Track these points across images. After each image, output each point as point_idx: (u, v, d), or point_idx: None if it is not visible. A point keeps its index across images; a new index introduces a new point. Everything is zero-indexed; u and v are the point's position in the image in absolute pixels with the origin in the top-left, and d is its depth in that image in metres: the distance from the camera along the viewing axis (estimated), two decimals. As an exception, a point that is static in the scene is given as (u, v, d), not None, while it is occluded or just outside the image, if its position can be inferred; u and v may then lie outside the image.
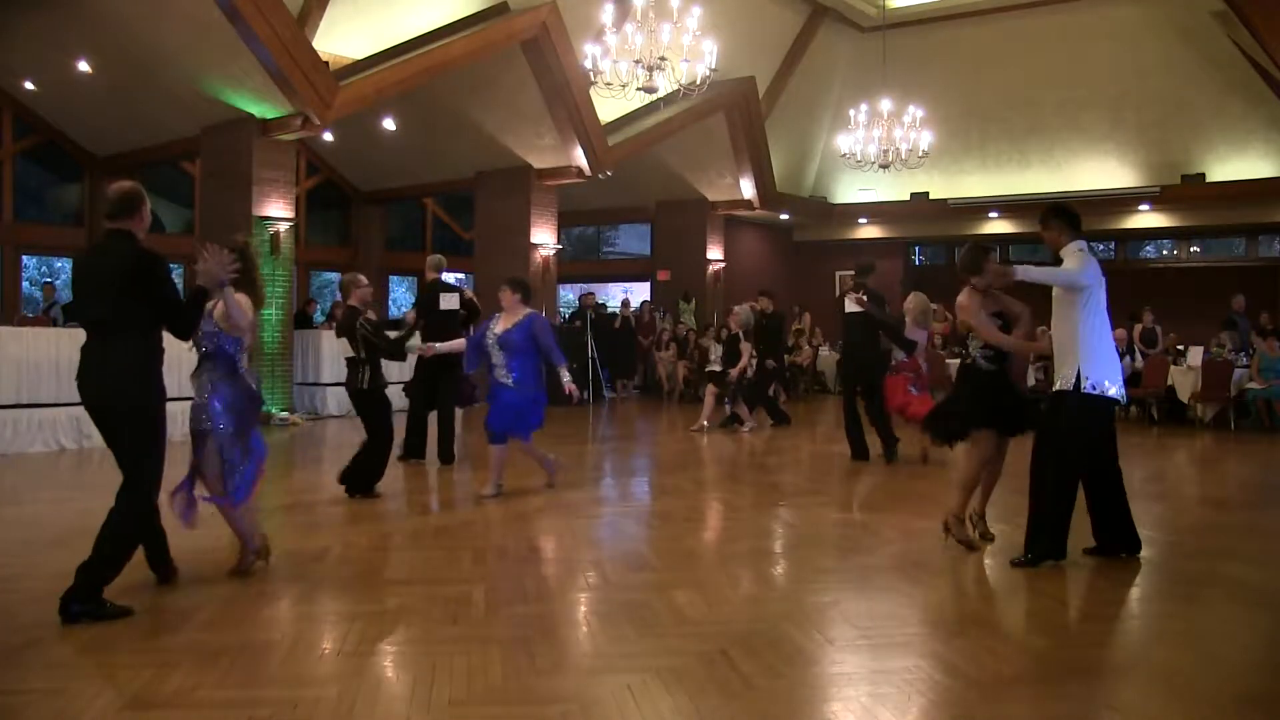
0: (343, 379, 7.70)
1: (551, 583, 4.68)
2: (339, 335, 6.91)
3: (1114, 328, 14.39)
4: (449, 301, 8.28)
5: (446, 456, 8.29)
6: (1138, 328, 13.62)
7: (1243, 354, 12.28)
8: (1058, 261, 5.11)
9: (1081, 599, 4.36)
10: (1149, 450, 10.33)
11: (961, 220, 18.13)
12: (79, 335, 4.07)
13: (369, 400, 6.71)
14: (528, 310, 6.73)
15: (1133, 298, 15.04)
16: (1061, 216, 5.08)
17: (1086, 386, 4.79)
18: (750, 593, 4.54)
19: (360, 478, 6.70)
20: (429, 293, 8.38)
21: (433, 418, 8.35)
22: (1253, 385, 11.52)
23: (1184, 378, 12.00)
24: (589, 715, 3.04)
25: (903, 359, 8.35)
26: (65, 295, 12.91)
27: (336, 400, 12.33)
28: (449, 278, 9.12)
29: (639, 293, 18.56)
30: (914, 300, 8.19)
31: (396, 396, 7.90)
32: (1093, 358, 4.82)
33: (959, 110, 16.91)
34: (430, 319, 8.06)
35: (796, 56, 16.88)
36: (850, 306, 8.37)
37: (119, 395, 3.93)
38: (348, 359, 6.82)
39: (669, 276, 17.77)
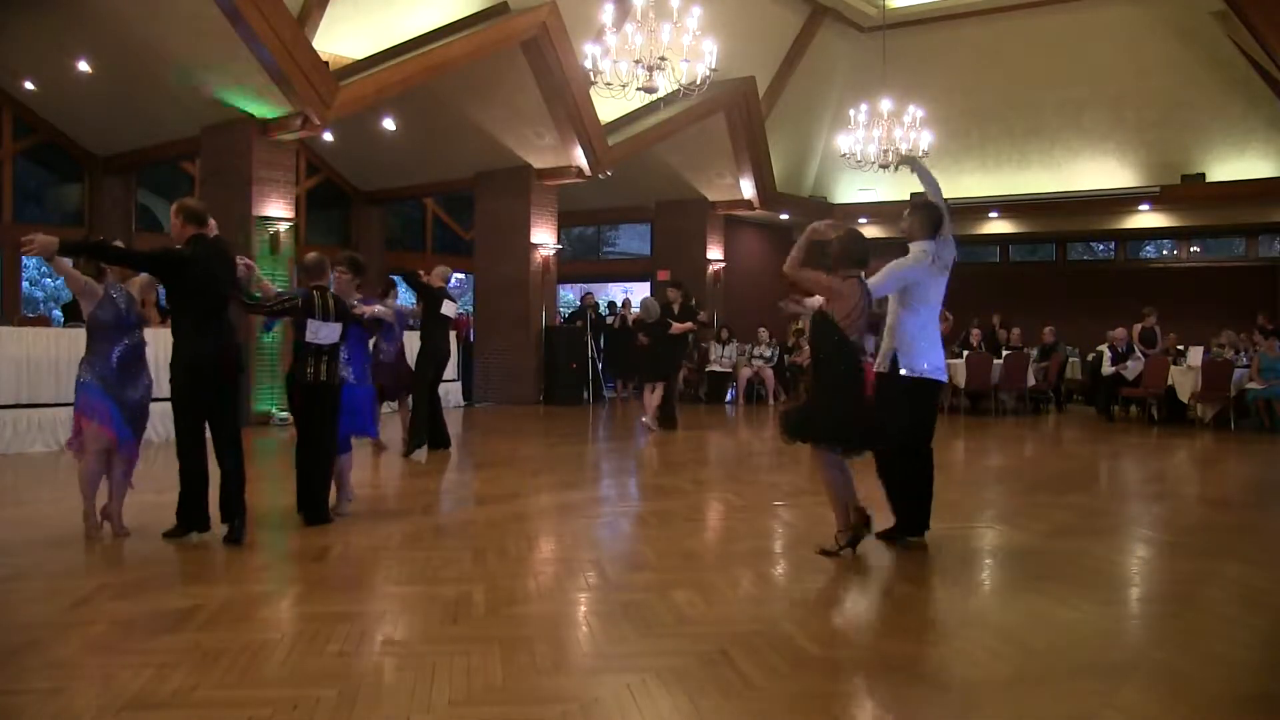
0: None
1: (551, 583, 4.67)
2: (331, 319, 5.78)
3: (1117, 326, 14.31)
4: (449, 309, 9.07)
5: (445, 441, 9.24)
6: (1137, 328, 13.63)
7: (1243, 354, 12.28)
8: (905, 251, 5.40)
9: (1080, 599, 4.36)
10: (1149, 450, 10.33)
11: (962, 220, 18.10)
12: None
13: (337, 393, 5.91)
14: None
15: (1133, 298, 15.03)
16: (923, 214, 5.35)
17: (903, 369, 5.15)
18: (750, 593, 4.54)
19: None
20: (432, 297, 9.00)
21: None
22: (1253, 385, 11.53)
23: (1184, 378, 12.01)
24: (589, 715, 3.04)
25: None
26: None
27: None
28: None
29: (639, 293, 18.55)
30: None
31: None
32: (913, 346, 5.17)
33: (959, 110, 16.91)
34: (430, 324, 8.93)
35: (796, 56, 16.87)
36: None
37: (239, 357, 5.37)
38: (328, 346, 5.81)
39: (669, 276, 17.76)
